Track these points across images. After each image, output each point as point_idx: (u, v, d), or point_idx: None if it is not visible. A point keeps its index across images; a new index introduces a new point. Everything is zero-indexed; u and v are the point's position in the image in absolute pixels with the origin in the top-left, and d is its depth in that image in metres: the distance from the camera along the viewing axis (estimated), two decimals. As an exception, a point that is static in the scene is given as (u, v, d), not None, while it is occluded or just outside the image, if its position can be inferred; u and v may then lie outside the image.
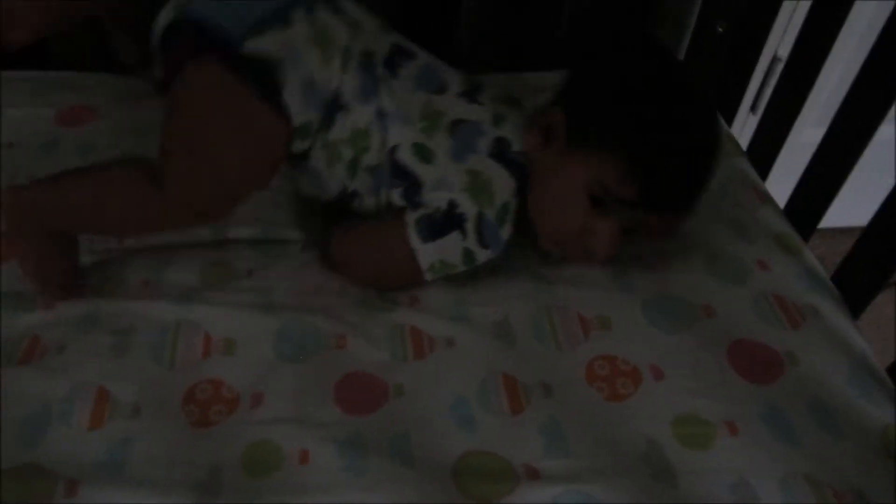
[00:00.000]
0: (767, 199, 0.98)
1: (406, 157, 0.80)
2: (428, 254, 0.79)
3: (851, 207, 1.03)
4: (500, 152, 0.80)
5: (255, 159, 0.76)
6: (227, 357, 0.74)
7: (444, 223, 0.78)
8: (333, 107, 0.78)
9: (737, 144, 1.08)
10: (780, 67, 1.15)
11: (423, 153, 0.80)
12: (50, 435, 0.66)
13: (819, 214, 1.00)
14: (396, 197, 0.81)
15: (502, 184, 0.79)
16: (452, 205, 0.78)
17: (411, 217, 0.79)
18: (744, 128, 1.44)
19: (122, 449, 0.65)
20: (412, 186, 0.80)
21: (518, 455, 0.68)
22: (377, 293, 0.83)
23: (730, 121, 1.19)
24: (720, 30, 1.14)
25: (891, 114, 0.88)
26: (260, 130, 0.75)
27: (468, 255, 0.79)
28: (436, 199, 0.79)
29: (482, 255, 0.79)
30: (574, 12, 1.14)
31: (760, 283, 0.85)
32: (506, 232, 0.79)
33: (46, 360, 0.72)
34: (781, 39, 1.33)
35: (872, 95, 0.89)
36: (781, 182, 1.08)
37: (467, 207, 0.78)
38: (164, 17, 0.76)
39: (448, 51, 0.90)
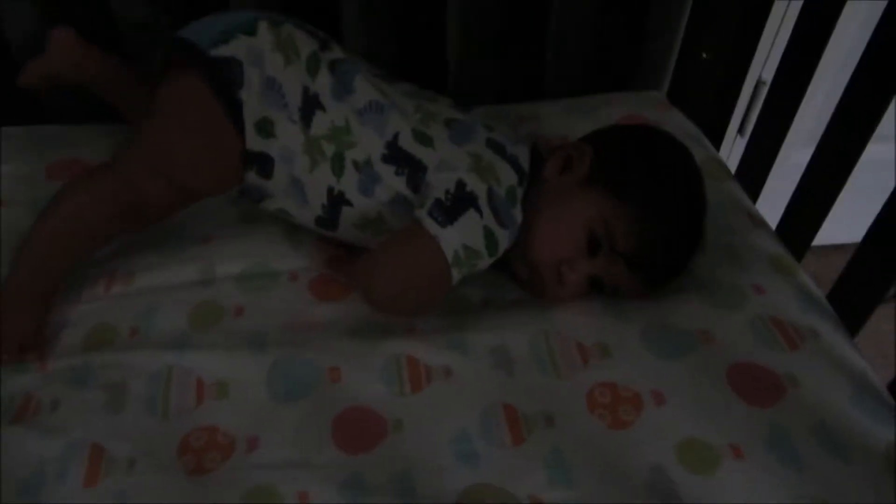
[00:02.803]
0: (760, 221, 0.97)
1: (407, 142, 0.80)
2: (450, 239, 0.75)
3: (844, 224, 1.03)
4: (497, 148, 0.82)
5: (203, 153, 0.80)
6: (221, 401, 0.73)
7: (456, 203, 0.76)
8: (311, 105, 0.80)
9: (726, 168, 1.07)
10: (764, 91, 1.15)
11: (423, 139, 0.81)
12: (45, 495, 0.65)
13: (811, 234, 1.00)
14: (400, 185, 0.80)
15: (505, 172, 0.80)
16: (461, 184, 0.77)
17: (421, 212, 0.76)
18: (732, 151, 1.45)
19: (118, 505, 0.64)
20: (415, 171, 0.80)
21: (521, 487, 0.67)
22: (370, 322, 0.81)
23: (717, 144, 1.19)
24: (704, 56, 1.15)
25: (879, 130, 0.89)
26: (211, 127, 0.79)
27: (489, 235, 0.77)
28: (442, 181, 0.78)
29: (502, 236, 0.78)
30: (557, 49, 1.15)
31: (757, 307, 0.84)
32: (517, 215, 0.79)
33: (40, 419, 0.71)
34: (765, 63, 1.35)
35: (859, 114, 0.89)
36: (772, 203, 1.08)
37: (476, 185, 0.77)
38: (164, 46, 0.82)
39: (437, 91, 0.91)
